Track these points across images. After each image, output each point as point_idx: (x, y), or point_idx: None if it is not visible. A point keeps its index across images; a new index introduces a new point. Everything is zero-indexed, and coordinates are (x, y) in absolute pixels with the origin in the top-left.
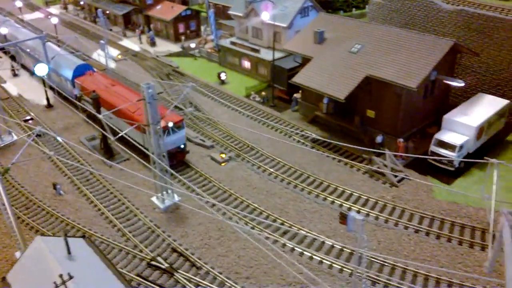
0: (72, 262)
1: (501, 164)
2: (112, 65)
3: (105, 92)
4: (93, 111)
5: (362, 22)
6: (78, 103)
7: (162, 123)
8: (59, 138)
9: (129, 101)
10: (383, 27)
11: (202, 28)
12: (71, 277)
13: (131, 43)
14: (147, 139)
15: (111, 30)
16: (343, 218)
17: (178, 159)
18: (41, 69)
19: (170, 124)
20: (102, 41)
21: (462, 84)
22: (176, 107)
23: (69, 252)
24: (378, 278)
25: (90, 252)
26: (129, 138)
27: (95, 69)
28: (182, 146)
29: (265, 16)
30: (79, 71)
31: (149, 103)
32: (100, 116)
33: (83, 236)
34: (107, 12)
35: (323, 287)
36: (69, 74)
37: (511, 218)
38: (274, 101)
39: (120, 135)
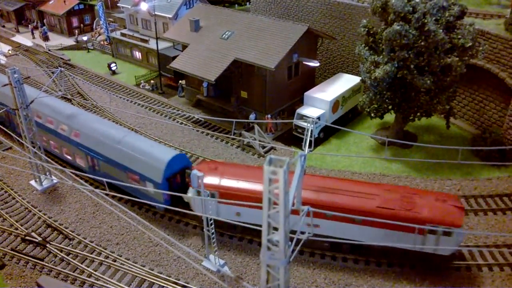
0: None
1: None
2: (2, 60)
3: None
4: None
5: (234, 11)
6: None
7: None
8: None
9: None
10: (251, 16)
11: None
12: None
13: (24, 39)
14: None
15: (3, 26)
16: (188, 177)
17: None
18: None
19: None
20: None
21: (317, 65)
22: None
23: None
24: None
25: None
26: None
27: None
28: None
29: (144, 6)
30: (173, 169)
31: (15, 88)
32: None
33: None
34: None
35: (183, 243)
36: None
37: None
38: (163, 89)
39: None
